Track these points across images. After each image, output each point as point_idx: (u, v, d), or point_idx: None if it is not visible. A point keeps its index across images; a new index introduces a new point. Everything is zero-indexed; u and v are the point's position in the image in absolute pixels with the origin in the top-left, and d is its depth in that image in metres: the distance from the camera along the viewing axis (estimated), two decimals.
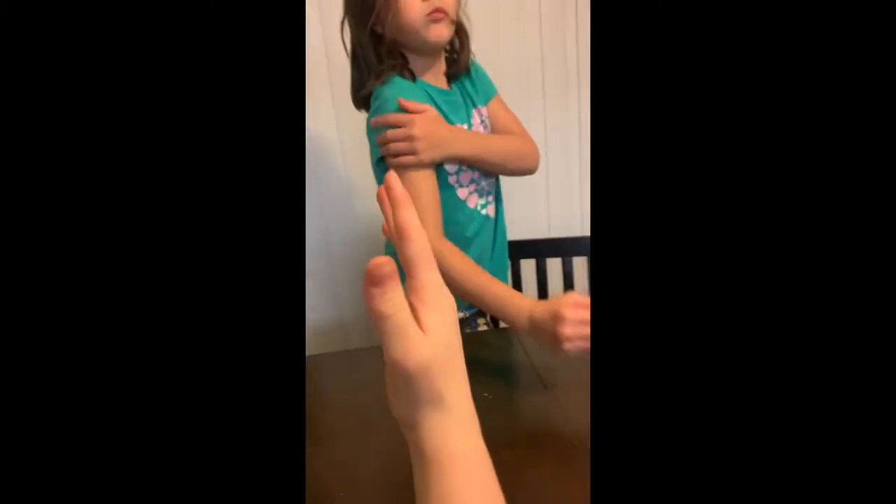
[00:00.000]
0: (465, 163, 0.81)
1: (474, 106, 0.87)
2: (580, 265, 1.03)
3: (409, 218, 0.31)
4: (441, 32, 0.77)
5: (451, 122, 0.83)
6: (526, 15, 1.25)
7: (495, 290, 0.68)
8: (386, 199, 0.34)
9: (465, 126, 0.85)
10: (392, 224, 0.34)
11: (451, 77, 0.87)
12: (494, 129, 0.90)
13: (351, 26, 0.81)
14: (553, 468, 0.51)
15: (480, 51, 0.90)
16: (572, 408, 0.60)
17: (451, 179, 0.82)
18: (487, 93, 0.90)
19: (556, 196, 1.39)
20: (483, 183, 0.86)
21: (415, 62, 0.81)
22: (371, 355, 0.81)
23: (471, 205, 0.85)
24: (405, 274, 0.32)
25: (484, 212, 0.88)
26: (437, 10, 0.74)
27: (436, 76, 0.84)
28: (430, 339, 0.30)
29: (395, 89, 0.77)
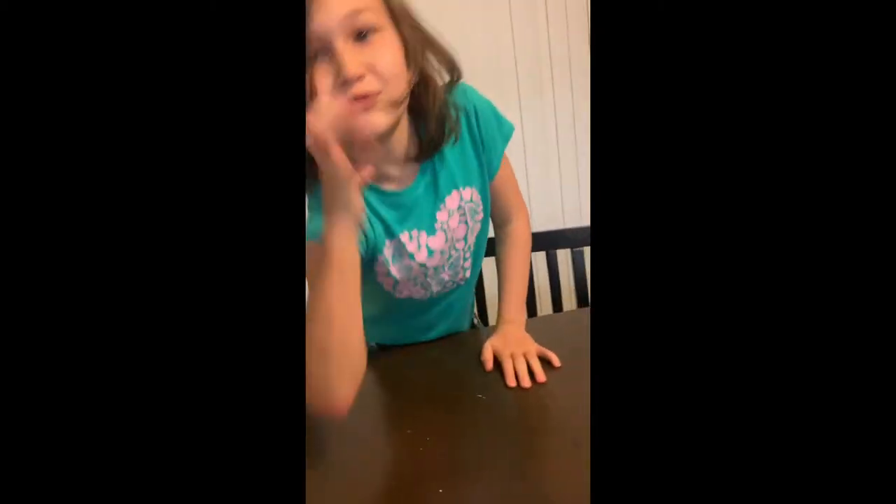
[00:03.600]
0: None
1: (455, 188, 0.67)
2: (564, 257, 1.03)
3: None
4: (376, 122, 0.53)
5: (394, 233, 0.64)
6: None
7: None
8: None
9: (425, 233, 0.66)
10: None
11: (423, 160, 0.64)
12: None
13: None
14: (554, 463, 0.51)
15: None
16: (567, 398, 0.60)
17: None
18: (491, 160, 0.69)
19: (537, 190, 1.40)
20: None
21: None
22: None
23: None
24: None
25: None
26: (361, 96, 0.50)
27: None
28: None
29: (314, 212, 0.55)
